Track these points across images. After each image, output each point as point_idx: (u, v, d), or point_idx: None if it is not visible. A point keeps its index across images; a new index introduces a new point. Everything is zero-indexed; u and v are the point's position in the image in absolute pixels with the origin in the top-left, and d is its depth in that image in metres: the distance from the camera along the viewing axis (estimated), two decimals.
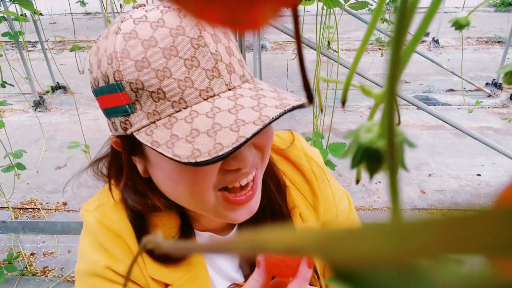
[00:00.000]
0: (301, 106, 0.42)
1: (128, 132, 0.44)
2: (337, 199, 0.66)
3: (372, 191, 2.39)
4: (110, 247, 0.52)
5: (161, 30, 0.41)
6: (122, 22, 0.44)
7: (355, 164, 0.16)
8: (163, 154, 0.40)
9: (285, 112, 0.40)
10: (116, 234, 0.53)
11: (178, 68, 0.41)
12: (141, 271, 0.52)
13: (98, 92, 0.47)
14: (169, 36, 0.41)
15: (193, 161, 0.38)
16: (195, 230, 0.57)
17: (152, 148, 0.41)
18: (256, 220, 0.54)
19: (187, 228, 0.55)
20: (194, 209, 0.50)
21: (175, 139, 0.41)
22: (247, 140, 0.38)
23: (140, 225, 0.53)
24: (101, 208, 0.56)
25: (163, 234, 0.53)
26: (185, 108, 0.42)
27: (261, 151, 0.49)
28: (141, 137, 0.43)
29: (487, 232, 0.06)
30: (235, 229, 0.60)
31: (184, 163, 0.39)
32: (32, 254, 2.00)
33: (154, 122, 0.43)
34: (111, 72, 0.43)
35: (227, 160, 0.44)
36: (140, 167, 0.50)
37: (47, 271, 1.91)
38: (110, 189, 0.57)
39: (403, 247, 0.06)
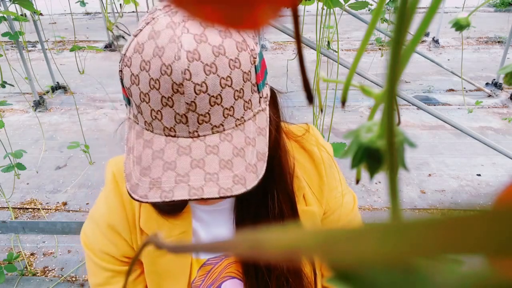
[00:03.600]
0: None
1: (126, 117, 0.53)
2: (343, 189, 0.70)
3: (372, 191, 2.39)
4: (114, 205, 0.61)
5: (156, 60, 0.45)
6: (147, 24, 0.47)
7: (355, 164, 0.16)
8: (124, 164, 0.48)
9: (200, 198, 0.44)
10: (121, 193, 0.61)
11: (155, 100, 0.45)
12: (134, 217, 0.61)
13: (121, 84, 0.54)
14: (159, 71, 0.44)
15: (130, 191, 0.46)
16: None
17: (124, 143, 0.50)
18: (257, 196, 0.60)
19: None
20: None
21: (132, 158, 0.48)
22: (176, 202, 0.43)
23: None
24: (121, 164, 0.64)
25: None
26: (150, 131, 0.48)
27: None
28: (127, 125, 0.51)
29: (487, 232, 0.06)
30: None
31: (127, 191, 0.46)
32: (32, 254, 2.00)
33: (136, 122, 0.50)
34: (119, 69, 0.49)
35: None
36: None
37: (47, 271, 1.91)
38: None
39: (403, 247, 0.06)
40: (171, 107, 0.45)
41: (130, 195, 0.46)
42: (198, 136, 0.47)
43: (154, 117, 0.46)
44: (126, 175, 0.47)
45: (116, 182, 0.62)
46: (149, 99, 0.46)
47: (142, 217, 0.60)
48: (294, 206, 0.62)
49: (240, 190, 0.44)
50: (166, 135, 0.47)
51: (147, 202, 0.45)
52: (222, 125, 0.47)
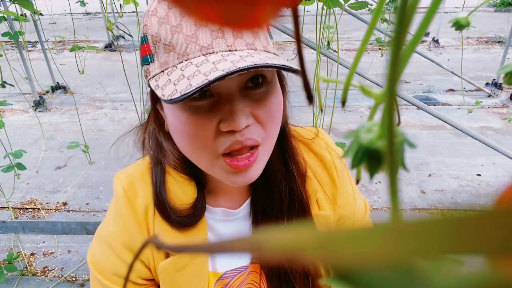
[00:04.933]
0: (287, 69, 0.46)
1: (147, 79, 0.53)
2: (355, 194, 0.69)
3: (372, 191, 2.39)
4: (128, 222, 0.59)
5: None
6: None
7: (355, 164, 0.16)
8: (156, 93, 0.49)
9: (257, 67, 0.43)
10: (135, 208, 0.60)
11: (188, 26, 0.48)
12: (148, 229, 0.59)
13: (140, 43, 0.55)
14: None
15: (169, 98, 0.45)
16: (207, 206, 0.62)
17: (153, 90, 0.50)
18: (273, 202, 0.61)
19: (201, 200, 0.60)
20: (202, 167, 0.55)
21: (168, 83, 0.48)
22: (211, 82, 0.42)
23: (161, 193, 0.59)
24: (130, 178, 0.62)
25: (181, 200, 0.59)
26: (186, 60, 0.48)
27: (262, 126, 0.51)
28: (151, 83, 0.51)
29: (487, 232, 0.06)
30: (247, 202, 0.64)
31: (164, 100, 0.46)
32: (32, 254, 2.00)
33: (163, 71, 0.50)
34: (143, 26, 0.52)
35: (222, 122, 0.49)
36: (165, 121, 0.58)
37: (47, 271, 1.91)
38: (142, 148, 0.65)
39: (403, 248, 0.06)
40: (206, 26, 0.47)
41: (182, 96, 0.44)
42: (236, 50, 0.48)
43: (189, 42, 0.48)
44: (171, 95, 0.45)
45: (128, 197, 0.60)
46: (181, 28, 0.48)
47: (156, 231, 0.59)
48: (308, 210, 0.62)
49: (280, 61, 0.45)
50: (204, 54, 0.48)
51: (203, 86, 0.43)
52: (254, 44, 0.49)
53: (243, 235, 0.09)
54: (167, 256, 0.59)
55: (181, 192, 0.59)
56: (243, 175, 0.52)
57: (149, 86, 0.56)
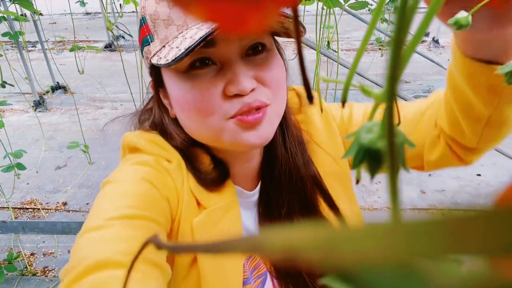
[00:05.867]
0: (287, 16, 0.47)
1: (148, 60, 0.53)
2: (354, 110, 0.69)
3: (372, 191, 2.39)
4: (162, 173, 0.55)
5: None
6: None
7: (356, 164, 0.16)
8: (158, 65, 0.49)
9: None
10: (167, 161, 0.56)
11: None
12: (183, 182, 0.56)
13: (139, 26, 0.55)
14: None
15: (173, 58, 0.46)
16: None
17: (155, 65, 0.50)
18: (278, 180, 0.61)
19: (221, 164, 0.59)
20: (213, 143, 0.55)
21: (171, 50, 0.48)
22: (213, 30, 0.43)
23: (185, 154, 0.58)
24: (149, 136, 0.59)
25: (205, 169, 0.58)
26: (186, 30, 0.49)
27: (268, 87, 0.52)
28: (153, 60, 0.51)
29: (487, 232, 0.06)
30: (259, 185, 0.64)
31: (168, 64, 0.46)
32: (32, 254, 2.00)
33: (164, 46, 0.50)
34: (141, 8, 0.52)
35: (227, 86, 0.49)
36: (169, 109, 0.58)
37: (47, 271, 1.91)
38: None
39: (402, 248, 0.06)
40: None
41: (183, 53, 0.45)
42: None
43: None
44: (173, 55, 0.46)
45: (156, 147, 0.57)
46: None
47: (191, 183, 0.56)
48: (318, 181, 0.63)
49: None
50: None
51: (205, 36, 0.44)
52: None
53: (242, 235, 0.09)
54: (198, 205, 0.56)
55: (199, 159, 0.58)
56: (255, 131, 0.52)
57: (150, 69, 0.56)
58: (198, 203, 0.56)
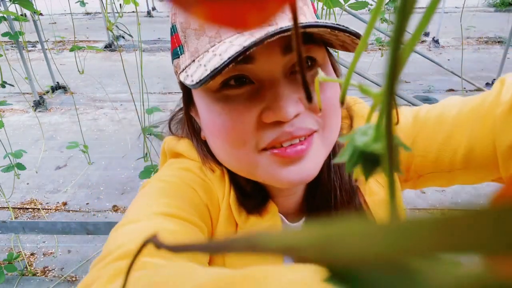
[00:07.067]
0: (344, 31, 0.38)
1: (178, 75, 0.47)
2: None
3: None
4: (205, 182, 0.51)
5: None
6: None
7: (350, 167, 0.16)
8: (188, 95, 0.45)
9: (306, 25, 0.36)
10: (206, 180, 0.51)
11: None
12: (223, 194, 0.50)
13: (170, 35, 0.49)
14: None
15: (198, 80, 0.39)
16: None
17: (184, 85, 0.44)
18: (327, 203, 0.51)
19: (264, 195, 0.52)
20: (247, 176, 0.47)
21: (198, 68, 0.41)
22: (247, 48, 0.35)
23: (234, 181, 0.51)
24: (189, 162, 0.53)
25: (246, 190, 0.51)
26: (218, 42, 0.41)
27: (317, 111, 0.43)
28: (181, 76, 0.44)
29: (484, 232, 0.06)
30: (302, 220, 0.56)
31: (192, 86, 0.40)
32: (32, 254, 2.00)
33: (193, 60, 0.43)
34: (171, 15, 0.46)
35: (264, 111, 0.41)
36: (200, 129, 0.51)
37: (47, 271, 1.90)
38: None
39: (401, 247, 0.06)
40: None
41: (211, 73, 0.37)
42: (277, 24, 0.39)
43: None
44: (199, 77, 0.39)
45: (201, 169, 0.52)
46: None
47: (231, 198, 0.50)
48: (355, 196, 0.53)
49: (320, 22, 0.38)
50: (239, 31, 0.42)
51: (237, 56, 0.36)
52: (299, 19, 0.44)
53: (241, 235, 0.09)
54: (236, 226, 0.51)
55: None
56: (295, 166, 0.43)
57: (180, 84, 0.49)
58: (235, 221, 0.50)
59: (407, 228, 0.06)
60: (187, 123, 0.52)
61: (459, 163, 0.50)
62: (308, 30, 0.37)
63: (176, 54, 0.46)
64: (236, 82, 0.42)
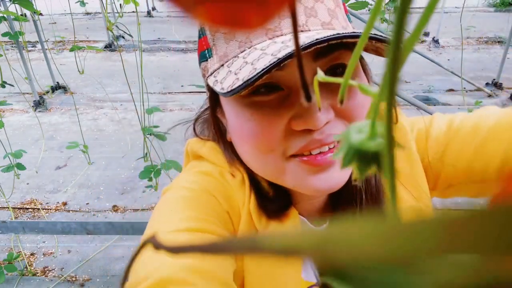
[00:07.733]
0: (382, 40, 0.37)
1: (205, 78, 0.46)
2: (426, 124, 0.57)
3: None
4: (226, 188, 0.50)
5: None
6: None
7: (345, 164, 0.16)
8: (215, 96, 0.45)
9: (340, 37, 0.34)
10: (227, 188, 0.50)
11: None
12: (244, 200, 0.49)
13: (198, 38, 0.48)
14: None
15: (229, 89, 0.38)
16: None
17: (211, 87, 0.43)
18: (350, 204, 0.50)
19: (287, 200, 0.51)
20: (274, 181, 0.46)
21: (228, 75, 0.40)
22: (281, 60, 0.34)
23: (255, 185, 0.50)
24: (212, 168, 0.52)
25: (268, 195, 0.49)
26: (249, 48, 0.41)
27: (348, 119, 0.42)
28: (209, 80, 0.44)
29: (486, 232, 0.06)
30: (327, 223, 0.55)
31: (223, 94, 0.39)
32: (32, 254, 2.00)
33: (222, 64, 0.43)
34: None
35: (294, 119, 0.40)
36: (226, 130, 0.50)
37: (47, 271, 1.91)
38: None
39: (401, 247, 0.06)
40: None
41: (244, 83, 0.36)
42: (309, 30, 0.39)
43: None
44: (231, 86, 0.38)
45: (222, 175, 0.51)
46: None
47: (251, 204, 0.49)
48: (381, 199, 0.52)
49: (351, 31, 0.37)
50: (270, 38, 0.40)
51: (271, 67, 0.35)
52: (331, 24, 0.42)
53: (240, 236, 0.09)
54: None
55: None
56: (325, 174, 0.42)
57: (207, 87, 0.48)
58: (255, 227, 0.49)
59: (409, 228, 0.06)
60: (214, 125, 0.52)
61: (492, 174, 0.49)
62: (345, 40, 0.35)
63: (203, 57, 0.46)
64: (265, 89, 0.41)
